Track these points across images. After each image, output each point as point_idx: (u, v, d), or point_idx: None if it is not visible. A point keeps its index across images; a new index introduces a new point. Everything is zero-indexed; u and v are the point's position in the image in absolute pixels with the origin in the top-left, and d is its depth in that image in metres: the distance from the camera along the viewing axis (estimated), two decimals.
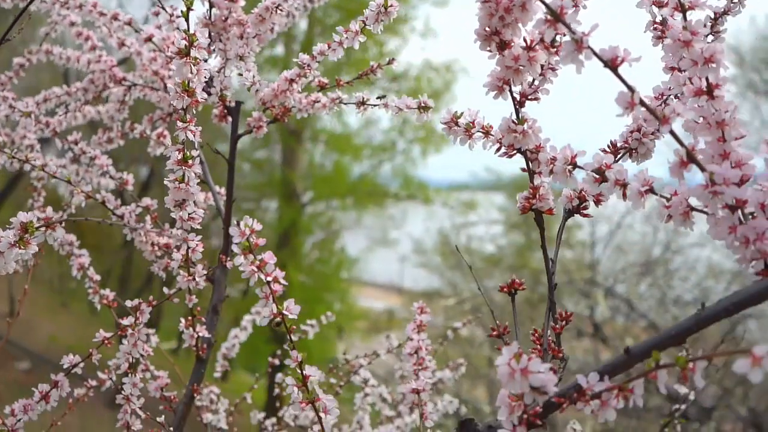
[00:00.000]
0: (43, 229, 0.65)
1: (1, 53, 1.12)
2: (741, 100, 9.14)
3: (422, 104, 0.83)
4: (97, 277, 1.10)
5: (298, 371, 0.65)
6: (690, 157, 0.51)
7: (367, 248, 12.34)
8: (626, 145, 0.68)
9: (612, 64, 0.51)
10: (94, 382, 1.13)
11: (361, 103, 0.95)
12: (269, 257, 0.62)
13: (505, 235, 10.24)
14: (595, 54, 0.50)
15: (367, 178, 12.06)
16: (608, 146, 0.69)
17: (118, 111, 1.17)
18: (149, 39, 1.06)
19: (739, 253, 0.51)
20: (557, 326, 0.63)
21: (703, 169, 0.51)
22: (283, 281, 0.63)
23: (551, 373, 0.51)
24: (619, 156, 0.69)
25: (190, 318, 0.95)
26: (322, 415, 0.64)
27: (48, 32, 1.30)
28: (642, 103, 0.50)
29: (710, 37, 0.71)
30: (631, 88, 0.50)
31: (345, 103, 0.97)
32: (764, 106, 8.97)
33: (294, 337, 0.66)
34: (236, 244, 0.61)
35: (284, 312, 0.63)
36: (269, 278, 0.62)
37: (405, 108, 0.85)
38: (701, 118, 0.55)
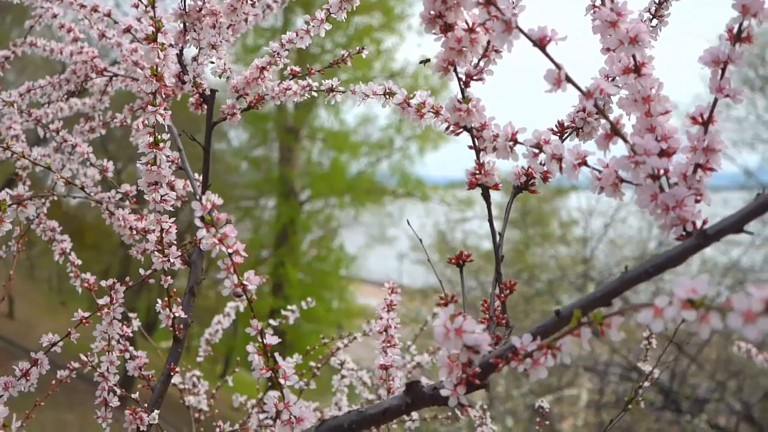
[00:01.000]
0: (14, 206, 0.68)
1: None
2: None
3: (387, 91, 0.86)
4: (79, 262, 1.13)
5: (260, 339, 0.68)
6: (614, 130, 0.54)
7: (365, 245, 12.38)
8: (572, 125, 0.72)
9: (541, 43, 0.54)
10: (76, 364, 1.16)
11: (330, 90, 0.99)
12: (230, 231, 0.66)
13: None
14: (524, 34, 0.53)
15: (364, 175, 12.09)
16: (555, 126, 0.72)
17: (99, 101, 1.21)
18: (128, 30, 1.10)
19: (660, 219, 0.54)
20: (502, 294, 0.67)
21: (626, 141, 0.54)
22: (243, 253, 0.66)
23: (485, 333, 0.54)
24: (566, 135, 0.72)
25: (166, 299, 0.99)
26: (281, 380, 0.68)
27: (32, 25, 1.33)
28: (568, 79, 0.54)
29: (654, 21, 0.75)
30: (558, 66, 0.54)
31: (316, 91, 1.00)
32: (760, 102, 8.98)
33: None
34: (198, 218, 0.64)
35: (245, 283, 0.66)
36: (230, 250, 0.65)
37: (371, 94, 0.88)
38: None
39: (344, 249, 12.06)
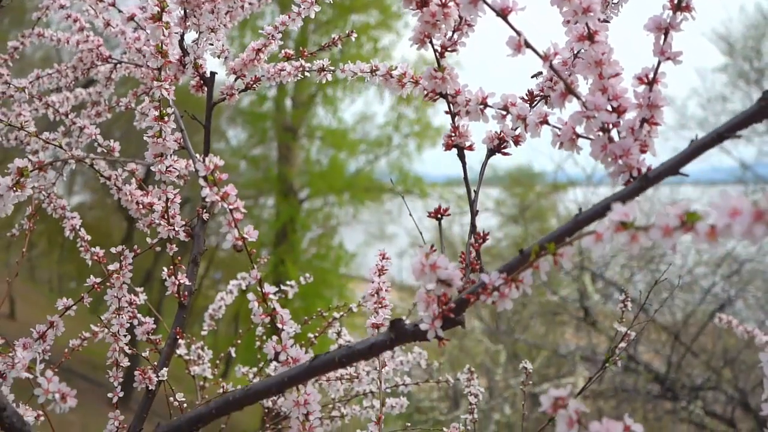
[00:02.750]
0: (36, 171, 0.76)
1: None
2: (732, 89, 9.21)
3: (374, 68, 0.93)
4: (88, 237, 1.20)
5: (258, 288, 0.75)
6: (568, 89, 0.62)
7: (365, 243, 12.44)
8: (541, 93, 0.79)
9: (503, 13, 0.61)
10: (87, 334, 1.23)
11: (321, 69, 1.06)
12: (231, 189, 0.73)
13: (501, 228, 10.37)
14: (488, 5, 0.61)
15: (363, 173, 12.16)
16: (526, 94, 0.79)
17: (105, 86, 1.28)
18: (131, 18, 1.17)
19: (610, 167, 0.62)
20: (476, 244, 0.74)
21: (579, 98, 0.62)
22: (243, 210, 0.73)
23: (457, 270, 0.62)
24: (535, 102, 0.79)
25: (172, 267, 1.06)
26: (279, 325, 0.75)
27: (39, 16, 1.40)
28: (527, 44, 0.61)
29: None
30: (518, 32, 0.61)
31: (307, 71, 1.08)
32: (756, 95, 9.04)
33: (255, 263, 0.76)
34: (202, 177, 0.71)
35: (245, 236, 0.74)
36: (231, 207, 0.73)
37: (359, 72, 0.95)
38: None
39: (344, 247, 12.11)
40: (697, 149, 0.57)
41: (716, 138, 0.56)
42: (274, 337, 0.75)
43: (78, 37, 1.30)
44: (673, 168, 0.58)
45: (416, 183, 11.49)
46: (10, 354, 0.73)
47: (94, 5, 1.20)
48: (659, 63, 0.63)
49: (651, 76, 0.63)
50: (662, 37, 0.62)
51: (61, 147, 1.07)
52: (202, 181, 0.72)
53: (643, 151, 0.62)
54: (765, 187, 8.01)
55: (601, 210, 0.60)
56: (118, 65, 1.29)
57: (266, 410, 1.48)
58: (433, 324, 0.65)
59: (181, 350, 1.38)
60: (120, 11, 1.19)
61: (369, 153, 12.29)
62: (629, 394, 6.27)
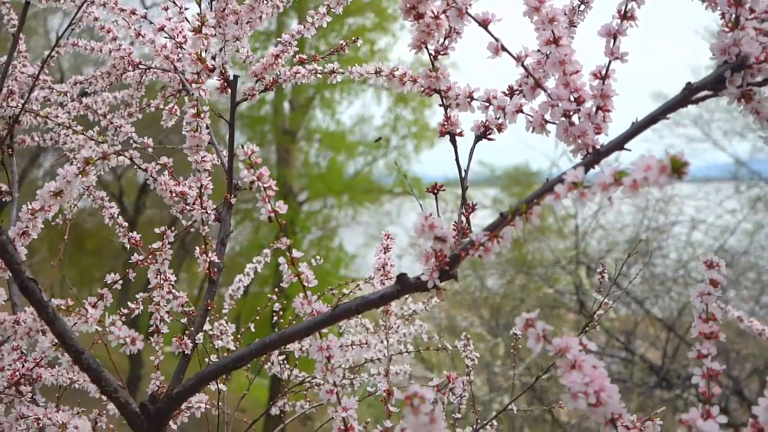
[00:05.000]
0: (101, 160, 0.91)
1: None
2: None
3: (378, 69, 1.09)
4: (125, 224, 1.36)
5: (288, 253, 0.91)
6: (537, 84, 0.77)
7: (365, 244, 12.58)
8: (520, 88, 0.94)
9: (484, 23, 0.77)
10: (125, 310, 1.38)
11: (332, 72, 1.21)
12: (265, 170, 0.88)
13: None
14: (472, 17, 0.76)
15: (361, 175, 12.31)
16: (507, 89, 0.95)
17: (136, 89, 1.43)
18: (162, 29, 1.32)
19: (571, 145, 0.77)
20: (466, 212, 0.89)
21: (545, 91, 0.77)
22: (275, 188, 0.89)
23: (450, 229, 0.77)
24: (514, 96, 0.95)
25: (203, 246, 1.21)
26: (305, 283, 0.90)
27: (73, 27, 1.55)
28: (503, 48, 0.76)
29: (582, 6, 0.97)
30: (496, 39, 0.77)
31: (319, 73, 1.23)
32: None
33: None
34: (242, 161, 0.87)
35: (276, 209, 0.89)
36: (265, 185, 0.88)
37: (365, 73, 1.11)
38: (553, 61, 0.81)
39: (343, 248, 12.25)
40: (637, 129, 0.72)
41: (651, 120, 0.72)
42: (300, 294, 0.91)
43: (111, 46, 1.46)
44: (618, 144, 0.73)
45: (414, 184, 11.65)
46: (81, 311, 0.89)
47: (128, 18, 1.36)
48: (609, 62, 0.78)
49: (603, 72, 0.78)
50: (612, 40, 0.78)
51: (104, 142, 1.23)
52: (241, 165, 0.88)
53: (597, 133, 0.77)
54: (759, 183, 8.18)
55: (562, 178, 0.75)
56: (148, 70, 1.44)
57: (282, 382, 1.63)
58: (432, 275, 0.80)
59: (206, 326, 1.54)
60: (151, 23, 1.35)
61: (367, 154, 12.44)
62: (625, 385, 6.43)
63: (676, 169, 0.53)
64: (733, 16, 0.69)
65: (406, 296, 1.84)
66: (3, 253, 0.81)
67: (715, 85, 0.69)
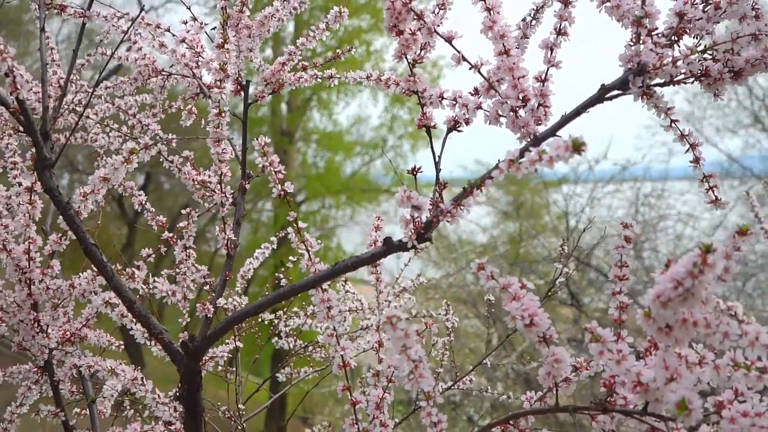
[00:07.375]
0: (143, 150, 1.13)
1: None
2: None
3: (368, 75, 1.31)
4: (153, 210, 1.57)
5: (295, 225, 1.12)
6: (490, 86, 0.99)
7: (363, 244, 12.76)
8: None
9: (448, 39, 0.98)
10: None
11: (331, 77, 1.43)
12: (275, 158, 1.10)
13: (496, 225, 10.76)
14: (439, 35, 0.98)
15: (359, 175, 12.52)
16: (473, 89, 1.17)
17: (160, 93, 1.65)
18: (183, 40, 1.54)
19: (517, 134, 0.99)
20: (439, 188, 1.11)
21: (497, 91, 0.99)
22: (283, 171, 1.10)
23: (426, 200, 0.99)
24: (478, 95, 1.16)
25: (222, 225, 1.43)
26: (309, 248, 1.12)
27: (102, 39, 1.77)
28: (463, 58, 0.98)
29: (533, 21, 1.19)
30: (458, 52, 0.98)
31: (320, 78, 1.45)
32: (740, 89, 9.44)
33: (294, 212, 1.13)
34: (256, 150, 1.09)
35: (285, 189, 1.11)
36: (276, 170, 1.10)
37: (358, 78, 1.33)
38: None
39: (342, 248, 12.44)
40: (563, 121, 0.94)
41: (575, 113, 0.93)
42: (306, 255, 1.12)
43: (136, 55, 1.67)
44: (551, 132, 0.95)
45: (411, 183, 11.83)
46: (129, 271, 1.10)
47: (153, 31, 1.57)
48: (548, 69, 1.00)
49: (543, 76, 1.00)
50: (549, 51, 0.99)
51: (135, 139, 1.44)
52: (256, 153, 1.09)
53: (538, 124, 0.99)
54: (751, 179, 8.41)
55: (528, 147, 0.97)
56: (169, 77, 1.66)
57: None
58: (411, 238, 1.02)
59: (220, 301, 1.75)
60: (174, 35, 1.56)
61: (364, 155, 12.65)
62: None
63: (576, 147, 0.75)
64: (634, 33, 0.91)
65: (398, 276, 2.06)
66: (71, 224, 1.03)
67: (621, 86, 0.91)
